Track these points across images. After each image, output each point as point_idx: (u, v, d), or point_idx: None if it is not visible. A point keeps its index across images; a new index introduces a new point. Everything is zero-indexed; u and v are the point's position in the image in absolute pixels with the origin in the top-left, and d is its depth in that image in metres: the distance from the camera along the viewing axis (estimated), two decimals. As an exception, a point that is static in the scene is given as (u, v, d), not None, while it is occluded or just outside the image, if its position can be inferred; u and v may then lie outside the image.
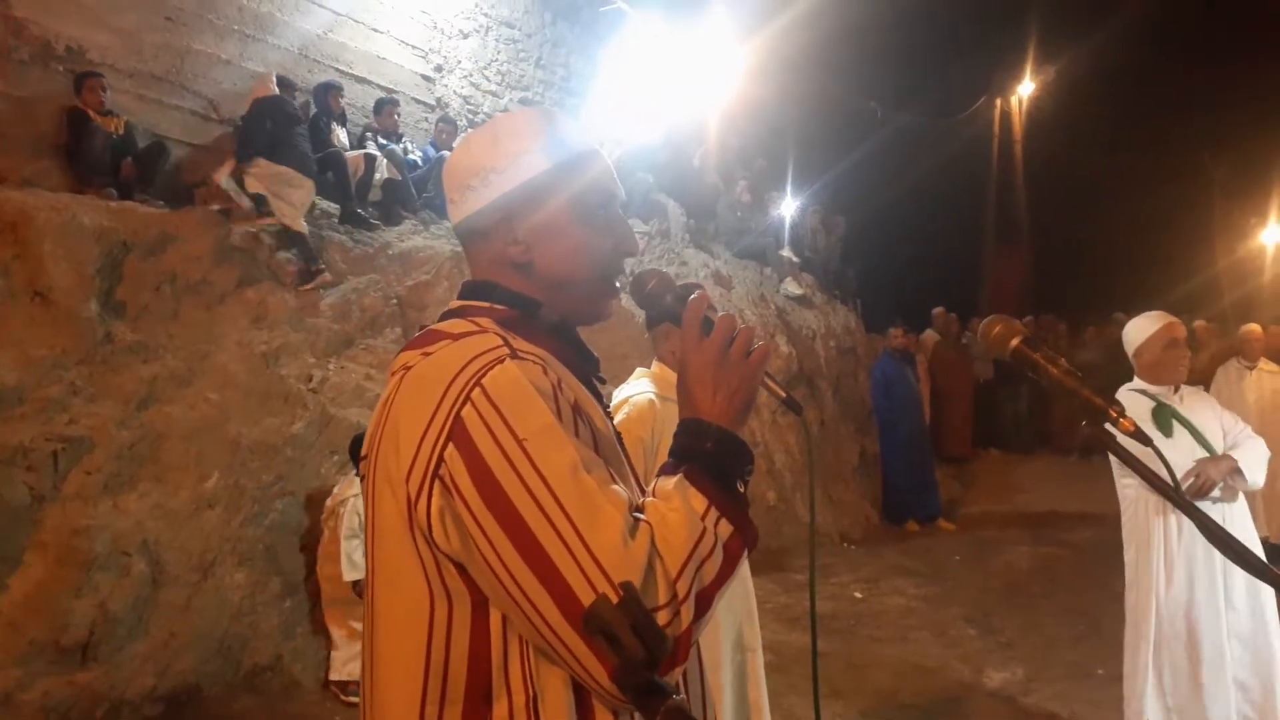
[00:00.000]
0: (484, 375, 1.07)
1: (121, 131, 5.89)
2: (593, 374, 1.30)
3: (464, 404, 1.06)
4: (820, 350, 9.75)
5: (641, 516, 1.05)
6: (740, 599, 2.91)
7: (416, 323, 6.08)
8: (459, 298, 1.27)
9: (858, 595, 6.64)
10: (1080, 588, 6.74)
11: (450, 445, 1.05)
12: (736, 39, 10.77)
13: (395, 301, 6.13)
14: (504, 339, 1.14)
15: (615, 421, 1.35)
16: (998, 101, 19.64)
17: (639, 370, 3.02)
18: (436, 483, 1.06)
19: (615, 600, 0.89)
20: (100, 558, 4.17)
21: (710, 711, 1.28)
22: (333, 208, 6.66)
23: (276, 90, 6.41)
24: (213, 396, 4.87)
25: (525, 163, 1.23)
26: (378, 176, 6.95)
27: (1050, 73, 19.22)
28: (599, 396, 1.29)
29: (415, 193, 7.27)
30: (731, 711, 2.81)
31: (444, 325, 1.21)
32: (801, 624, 5.92)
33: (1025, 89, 19.61)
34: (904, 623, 6.02)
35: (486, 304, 1.23)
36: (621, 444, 1.29)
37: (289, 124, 6.24)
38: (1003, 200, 19.95)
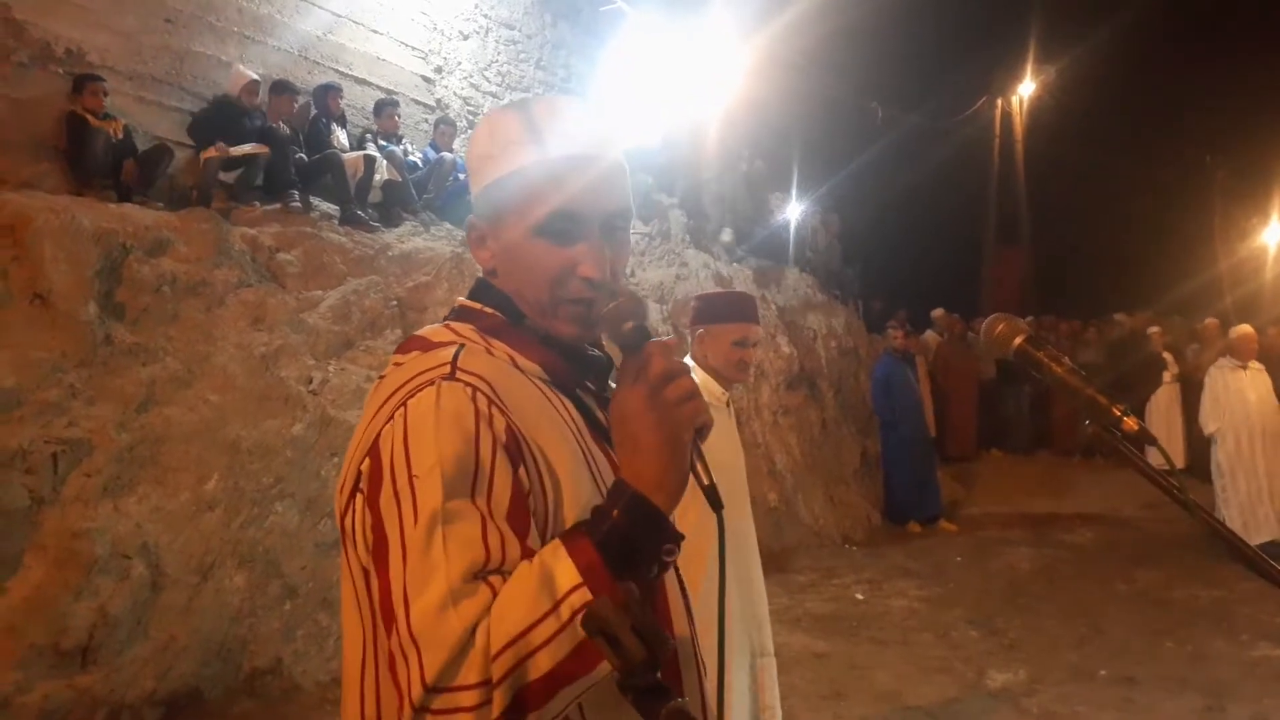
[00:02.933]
0: (412, 396, 1.05)
1: (121, 135, 5.89)
2: (590, 381, 1.22)
3: (387, 422, 1.05)
4: (821, 351, 9.74)
5: (493, 580, 0.95)
6: (751, 604, 2.89)
7: (417, 324, 6.07)
8: (468, 295, 1.25)
9: (860, 597, 6.63)
10: (1082, 589, 6.73)
11: (367, 459, 1.05)
12: (736, 40, 10.76)
13: (395, 303, 6.12)
14: (458, 355, 1.09)
15: None
16: (998, 102, 19.64)
17: None
18: (358, 495, 1.05)
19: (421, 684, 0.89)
20: (100, 560, 4.16)
21: (710, 717, 1.24)
22: (332, 209, 6.66)
23: (251, 77, 6.57)
24: (212, 398, 4.86)
25: (491, 170, 1.18)
26: (377, 178, 6.95)
27: (1051, 73, 19.23)
28: (598, 402, 1.21)
29: (415, 194, 7.27)
30: (746, 717, 2.80)
31: (428, 332, 1.19)
32: (803, 626, 5.91)
33: (1026, 89, 19.60)
34: (906, 624, 6.01)
35: (479, 305, 1.21)
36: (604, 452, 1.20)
37: (237, 117, 6.32)
38: (1003, 201, 19.95)
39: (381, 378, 1.15)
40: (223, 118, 6.27)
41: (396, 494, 0.99)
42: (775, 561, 7.27)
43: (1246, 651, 5.42)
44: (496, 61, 9.40)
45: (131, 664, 4.14)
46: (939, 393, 10.33)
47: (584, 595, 0.92)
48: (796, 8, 11.03)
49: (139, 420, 4.59)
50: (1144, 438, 1.19)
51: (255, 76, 6.60)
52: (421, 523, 0.96)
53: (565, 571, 0.94)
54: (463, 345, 1.13)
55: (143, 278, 4.99)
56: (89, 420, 4.43)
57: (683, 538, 1.04)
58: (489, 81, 9.28)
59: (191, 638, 4.35)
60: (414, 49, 8.51)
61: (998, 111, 19.70)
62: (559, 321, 1.18)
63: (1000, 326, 1.30)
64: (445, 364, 1.08)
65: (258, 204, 6.28)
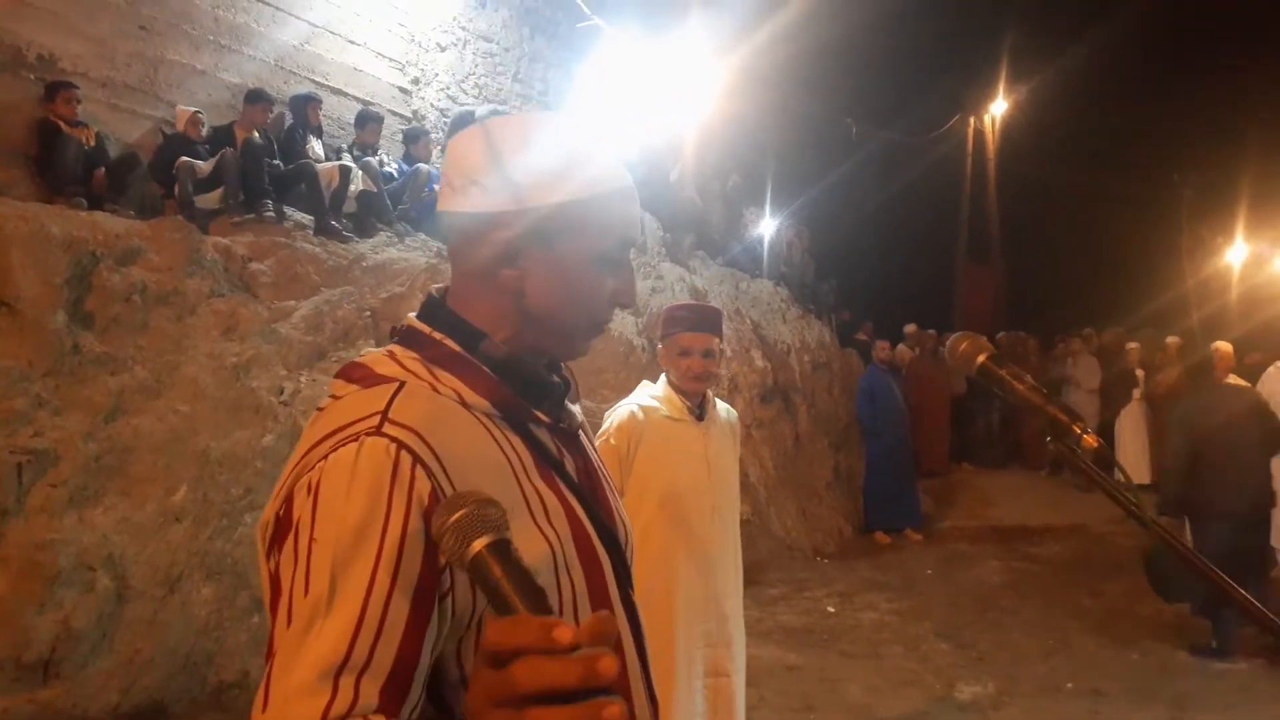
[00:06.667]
0: (334, 450, 0.99)
1: (93, 142, 5.84)
2: (548, 410, 1.17)
3: (307, 471, 1.00)
4: (795, 364, 9.79)
5: (342, 682, 0.89)
6: (713, 622, 2.86)
7: (390, 335, 6.05)
8: (417, 313, 1.18)
9: (831, 609, 6.65)
10: (1050, 603, 6.79)
11: (284, 506, 1.01)
12: (713, 55, 10.84)
13: (369, 314, 6.09)
14: (393, 398, 1.03)
15: (598, 438, 1.24)
16: (971, 120, 19.87)
17: (644, 383, 3.09)
18: (275, 544, 1.01)
19: None
20: (64, 572, 4.10)
21: None
22: (307, 219, 6.63)
23: (192, 111, 6.51)
24: (182, 409, 4.82)
25: (561, 187, 1.10)
26: (352, 188, 6.93)
27: (1023, 92, 19.48)
28: (552, 433, 1.17)
29: (390, 205, 7.25)
30: None
31: (370, 359, 1.12)
32: (774, 638, 5.93)
33: (998, 108, 19.85)
34: (877, 637, 6.04)
35: (428, 330, 1.14)
36: (585, 479, 1.19)
37: (187, 150, 6.27)
38: (975, 217, 20.16)
39: (320, 409, 1.08)
40: (173, 154, 6.21)
41: (295, 553, 0.95)
42: (747, 574, 7.19)
43: (1210, 664, 5.50)
44: (474, 74, 9.41)
45: (95, 677, 4.09)
46: (912, 408, 10.38)
47: None
48: (772, 24, 11.12)
49: (107, 430, 4.54)
50: (1103, 455, 1.21)
51: (196, 109, 6.52)
52: (310, 600, 0.92)
53: None
54: (402, 384, 1.06)
55: (113, 286, 4.95)
56: (55, 430, 4.38)
57: None
58: (466, 94, 9.28)
59: (157, 651, 4.29)
60: (391, 60, 8.50)
61: (970, 129, 19.93)
62: (585, 344, 1.19)
63: (964, 345, 1.31)
64: (376, 414, 1.01)
65: (228, 212, 6.23)
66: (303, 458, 1.02)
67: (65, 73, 5.96)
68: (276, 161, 6.70)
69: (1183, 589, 5.50)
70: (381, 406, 1.02)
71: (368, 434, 0.99)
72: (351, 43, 8.08)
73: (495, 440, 1.09)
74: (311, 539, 0.94)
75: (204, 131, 6.47)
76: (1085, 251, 18.72)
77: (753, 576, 7.27)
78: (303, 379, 5.40)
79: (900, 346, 11.90)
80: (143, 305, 5.04)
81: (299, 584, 0.93)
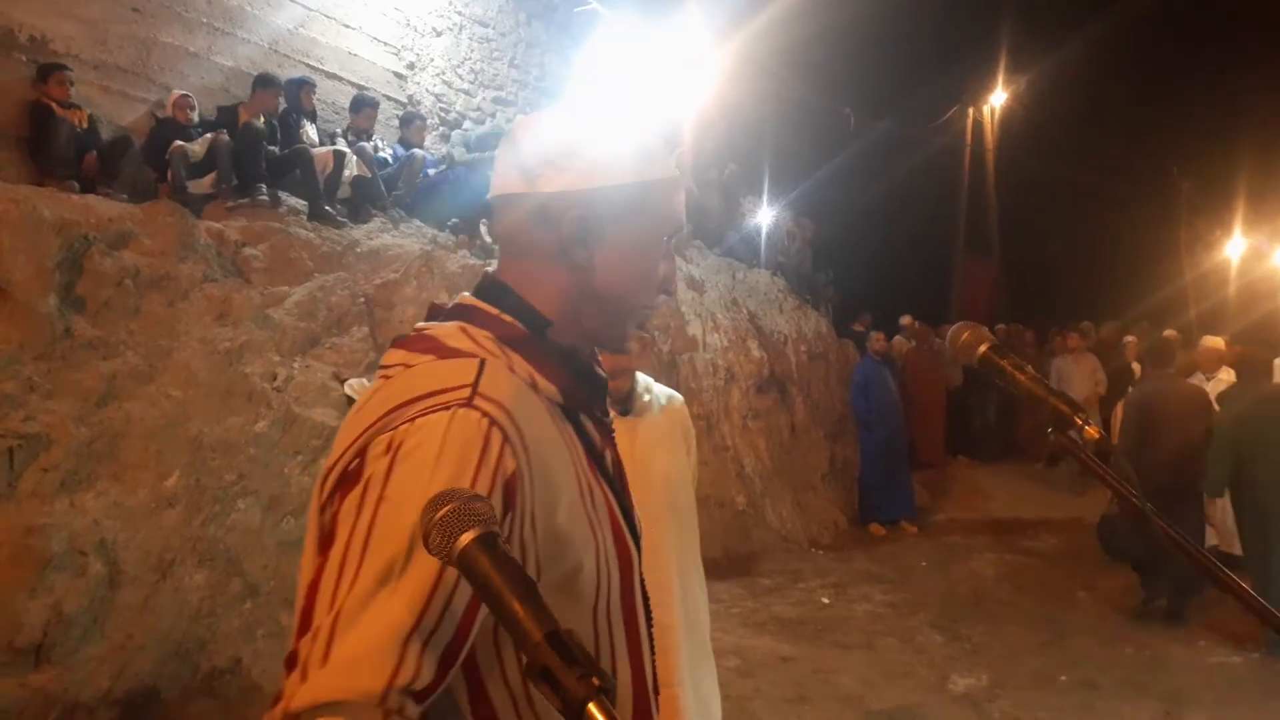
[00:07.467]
0: (423, 415, 0.99)
1: (85, 125, 5.79)
2: (593, 405, 1.20)
3: (385, 431, 1.00)
4: (791, 355, 9.77)
5: (409, 648, 0.91)
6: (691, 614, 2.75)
7: (384, 322, 6.02)
8: (473, 293, 1.18)
9: (825, 601, 6.65)
10: (1044, 595, 6.80)
11: (356, 459, 1.01)
12: (711, 42, 10.78)
13: (363, 300, 6.06)
14: (480, 373, 1.04)
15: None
16: (970, 111, 19.81)
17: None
18: (338, 493, 1.02)
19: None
20: (56, 557, 4.08)
21: None
22: (301, 205, 6.59)
23: (180, 93, 6.43)
24: (174, 394, 4.79)
25: (642, 166, 1.16)
26: (347, 174, 6.88)
27: (1022, 84, 19.42)
28: (600, 425, 1.21)
29: (385, 191, 7.21)
30: None
31: (441, 331, 1.12)
32: (769, 629, 5.93)
33: (997, 99, 19.80)
34: (871, 628, 6.04)
35: (496, 311, 1.14)
36: (618, 474, 1.23)
37: (177, 135, 6.20)
38: (973, 209, 20.12)
39: (387, 377, 1.09)
40: (165, 138, 6.16)
41: (360, 506, 0.96)
42: (742, 565, 7.29)
43: (1204, 658, 5.51)
44: (469, 59, 9.35)
45: (87, 663, 4.07)
46: (908, 399, 10.38)
47: None
48: (771, 12, 11.07)
49: (98, 415, 4.51)
50: (1104, 446, 1.20)
51: (184, 92, 6.44)
52: (381, 559, 0.93)
53: None
54: (484, 361, 1.07)
55: (104, 270, 4.90)
56: (47, 414, 4.35)
57: None
58: (461, 79, 9.23)
59: (149, 636, 4.27)
60: (386, 45, 8.44)
61: (969, 121, 19.87)
62: (632, 327, 1.23)
63: (965, 334, 1.31)
64: (466, 385, 1.02)
65: (221, 197, 6.18)
66: (383, 416, 1.01)
67: (57, 55, 5.91)
68: (274, 147, 6.65)
69: (1125, 550, 6.27)
70: (470, 379, 1.03)
71: (459, 405, 1.00)
72: (346, 27, 8.03)
73: (560, 433, 1.11)
74: (381, 497, 0.95)
75: (194, 115, 6.42)
76: (1083, 244, 18.73)
77: (747, 567, 7.30)
78: (296, 365, 5.37)
79: (896, 338, 11.89)
80: (135, 290, 5.00)
81: (358, 538, 0.94)
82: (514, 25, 9.89)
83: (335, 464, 1.04)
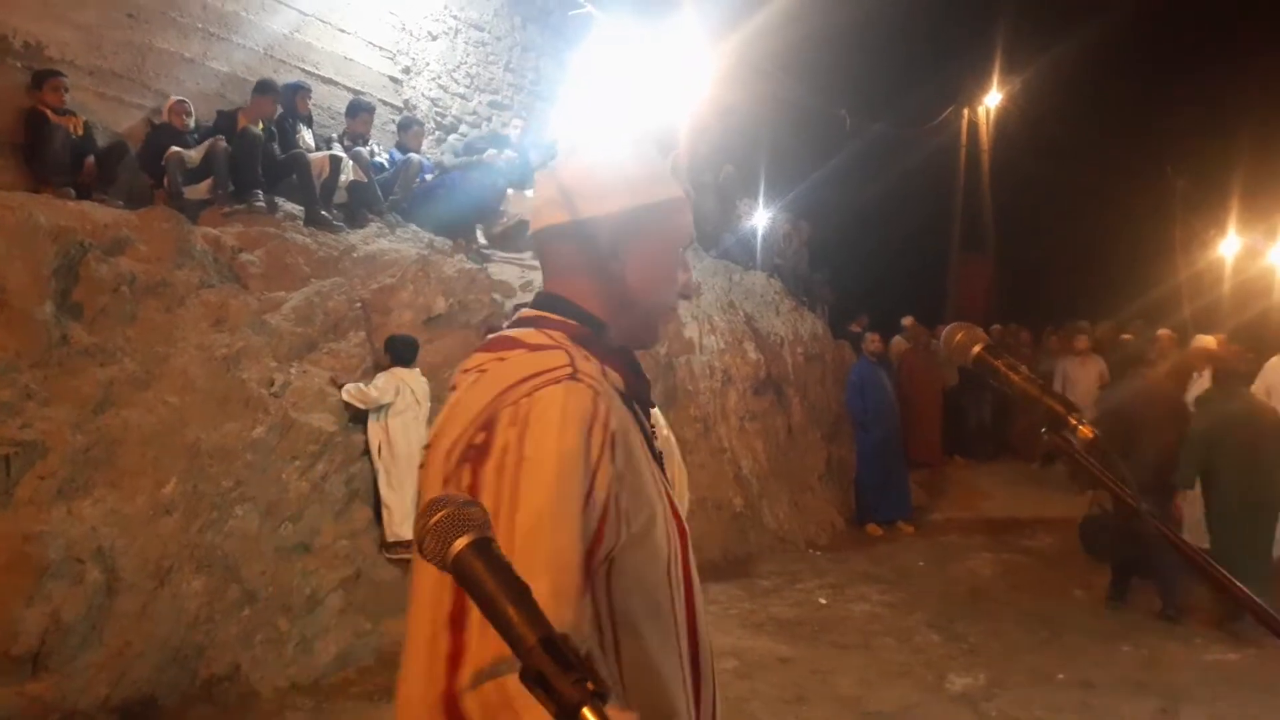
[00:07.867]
0: (539, 389, 1.15)
1: (81, 131, 5.79)
2: (644, 397, 1.36)
3: (509, 405, 1.14)
4: (788, 356, 9.78)
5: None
6: None
7: (381, 326, 6.02)
8: (533, 306, 1.35)
9: (823, 601, 6.66)
10: (1041, 594, 6.81)
11: (482, 433, 1.14)
12: (706, 44, 10.79)
13: (360, 305, 6.06)
14: (571, 357, 1.21)
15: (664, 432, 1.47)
16: (965, 112, 19.83)
17: None
18: (465, 465, 1.13)
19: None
20: (53, 565, 4.08)
21: None
22: (297, 210, 6.59)
23: (176, 99, 6.44)
24: (171, 400, 4.79)
25: (656, 189, 1.36)
26: (343, 178, 6.88)
27: (1016, 84, 19.44)
28: (646, 419, 1.35)
29: (381, 195, 7.21)
30: None
31: (519, 333, 1.29)
32: (766, 630, 5.93)
33: (992, 100, 19.82)
34: (868, 628, 6.04)
35: (560, 317, 1.31)
36: (663, 465, 1.35)
37: (174, 140, 6.21)
38: (969, 210, 20.13)
39: (483, 370, 1.23)
40: (161, 144, 6.16)
41: (501, 469, 1.10)
42: (740, 566, 7.30)
43: (1200, 655, 5.52)
44: (465, 63, 9.36)
45: (85, 670, 4.07)
46: (903, 400, 10.40)
47: None
48: (765, 14, 11.08)
49: (95, 422, 4.51)
50: (1098, 446, 1.21)
51: (180, 98, 6.44)
52: (531, 512, 1.06)
53: None
54: (569, 350, 1.23)
55: (101, 277, 4.90)
56: (44, 421, 4.35)
57: None
58: (457, 83, 9.24)
59: (147, 644, 4.28)
60: (382, 49, 8.45)
61: (964, 121, 19.89)
62: (662, 326, 1.42)
63: (960, 335, 1.32)
64: (566, 365, 1.19)
65: (217, 203, 6.18)
66: (498, 396, 1.16)
67: (52, 61, 5.91)
68: (275, 145, 6.65)
69: (1104, 549, 6.39)
70: (566, 361, 1.21)
71: (568, 378, 1.17)
72: (342, 31, 8.03)
73: (630, 413, 1.27)
74: (521, 457, 1.10)
75: (190, 121, 6.42)
76: (1079, 244, 18.76)
77: (745, 568, 7.31)
78: (293, 370, 5.37)
79: (896, 339, 11.89)
80: (131, 296, 5.00)
81: (506, 496, 1.08)
82: (509, 29, 9.90)
83: (456, 442, 1.16)
